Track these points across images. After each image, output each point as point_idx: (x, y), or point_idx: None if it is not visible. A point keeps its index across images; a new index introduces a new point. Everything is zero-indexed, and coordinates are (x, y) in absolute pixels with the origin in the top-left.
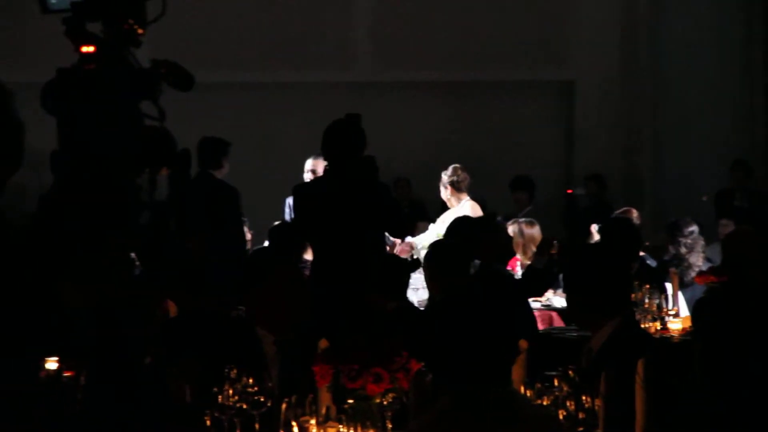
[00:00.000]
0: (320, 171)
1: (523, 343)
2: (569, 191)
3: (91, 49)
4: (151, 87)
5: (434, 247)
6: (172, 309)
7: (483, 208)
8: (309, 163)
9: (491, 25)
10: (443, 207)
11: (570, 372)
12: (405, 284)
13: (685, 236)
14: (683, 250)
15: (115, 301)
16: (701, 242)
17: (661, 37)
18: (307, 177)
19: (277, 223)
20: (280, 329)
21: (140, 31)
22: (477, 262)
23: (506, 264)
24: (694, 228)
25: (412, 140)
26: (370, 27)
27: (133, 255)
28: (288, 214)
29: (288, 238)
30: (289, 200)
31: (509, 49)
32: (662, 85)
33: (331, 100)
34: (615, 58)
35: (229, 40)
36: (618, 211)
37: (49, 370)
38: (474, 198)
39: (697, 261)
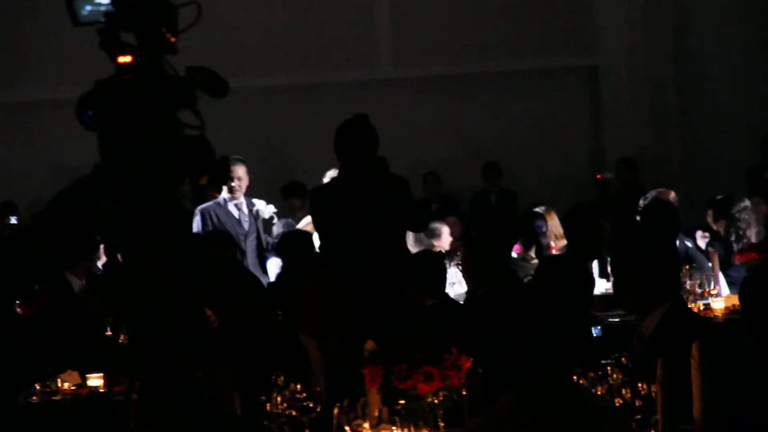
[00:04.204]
0: None
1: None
2: (599, 176)
3: (128, 59)
4: (188, 95)
5: (472, 240)
6: (212, 319)
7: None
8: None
9: (514, 14)
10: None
11: (623, 359)
12: (443, 279)
13: (740, 211)
14: (742, 225)
15: (163, 313)
16: (755, 216)
17: (686, 17)
18: None
19: (290, 230)
20: (322, 334)
21: (173, 39)
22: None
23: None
24: (747, 203)
25: (440, 135)
26: (391, 23)
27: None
28: (197, 227)
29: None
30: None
31: (533, 37)
32: (688, 65)
33: (355, 100)
34: (640, 41)
35: (247, 45)
36: (654, 192)
37: (93, 387)
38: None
39: (753, 236)
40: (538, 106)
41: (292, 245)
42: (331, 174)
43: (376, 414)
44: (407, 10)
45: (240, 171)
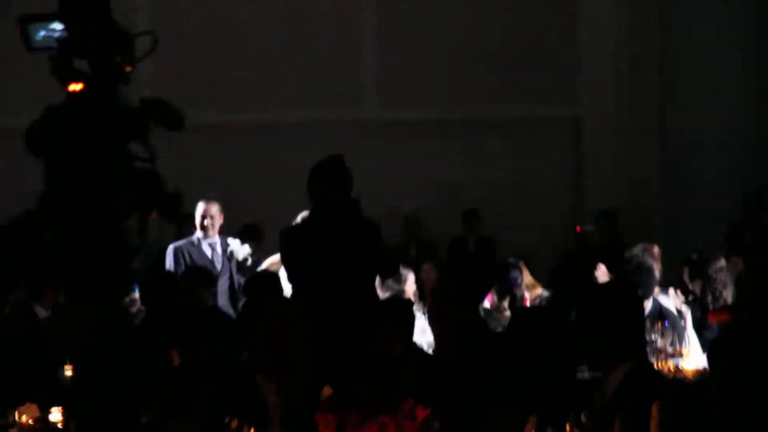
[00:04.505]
0: None
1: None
2: (579, 228)
3: (79, 86)
4: (141, 126)
5: (440, 288)
6: (174, 358)
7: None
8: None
9: (498, 62)
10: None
11: (583, 417)
12: (411, 326)
13: (717, 271)
14: (718, 286)
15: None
16: (731, 276)
17: (673, 68)
18: None
19: (264, 268)
20: (281, 377)
21: (129, 68)
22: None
23: None
24: (723, 263)
25: (421, 179)
26: (377, 65)
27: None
28: (169, 265)
29: (275, 284)
30: (170, 254)
31: (517, 85)
32: (672, 118)
33: (337, 140)
34: (624, 93)
35: (234, 79)
36: (638, 248)
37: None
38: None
39: (729, 297)
40: (520, 154)
41: (258, 285)
42: (303, 215)
43: None
44: (394, 52)
45: (213, 209)
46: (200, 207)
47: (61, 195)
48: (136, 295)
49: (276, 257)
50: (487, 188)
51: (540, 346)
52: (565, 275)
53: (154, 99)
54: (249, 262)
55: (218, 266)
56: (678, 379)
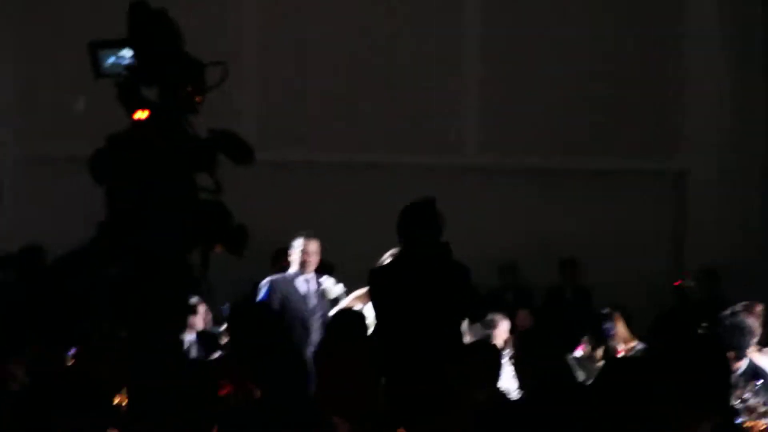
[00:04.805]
0: None
1: None
2: (677, 283)
3: (144, 114)
4: (207, 158)
5: (527, 333)
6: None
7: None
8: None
9: (601, 110)
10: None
11: None
12: (496, 371)
13: None
14: None
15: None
16: None
17: None
18: None
19: (339, 308)
20: (354, 415)
21: (198, 98)
22: None
23: None
24: None
25: (519, 226)
26: (478, 109)
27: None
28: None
29: (355, 321)
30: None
31: (622, 137)
32: None
33: (435, 184)
34: (730, 148)
35: (333, 119)
36: (741, 306)
37: None
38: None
39: None
40: (621, 206)
41: (340, 324)
42: (390, 253)
43: None
44: (496, 98)
45: (313, 246)
46: (299, 243)
47: (121, 224)
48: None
49: (359, 293)
50: (586, 239)
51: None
52: (663, 330)
53: (224, 131)
54: (342, 301)
55: (312, 303)
56: None
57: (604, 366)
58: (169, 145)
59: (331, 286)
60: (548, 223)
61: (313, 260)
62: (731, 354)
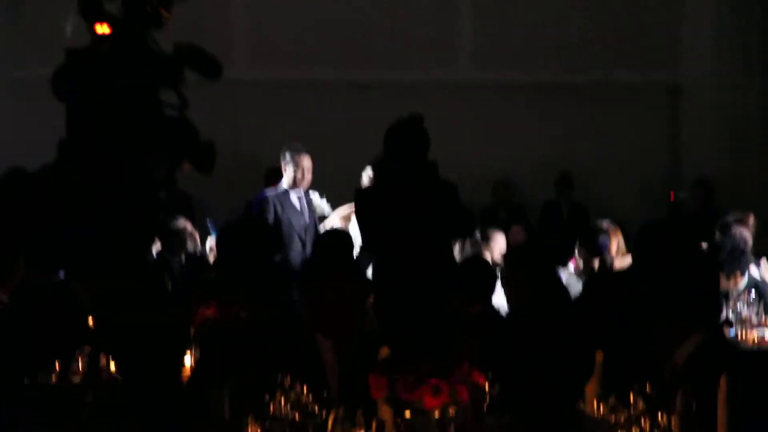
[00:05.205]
0: None
1: (599, 356)
2: (672, 196)
3: (106, 29)
4: (172, 73)
5: (514, 250)
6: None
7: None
8: (367, 172)
9: (596, 24)
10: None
11: (647, 388)
12: (490, 287)
13: None
14: None
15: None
16: None
17: None
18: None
19: (328, 228)
20: (339, 334)
21: (165, 13)
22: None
23: None
24: None
25: (514, 142)
26: (472, 24)
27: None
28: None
29: (342, 242)
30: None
31: (616, 50)
32: None
33: (429, 100)
34: (726, 61)
35: (325, 37)
36: (734, 217)
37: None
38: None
39: None
40: (616, 119)
41: (328, 244)
42: (368, 172)
43: (375, 425)
44: (490, 12)
45: (307, 162)
46: (293, 157)
47: (83, 144)
48: (212, 242)
49: (343, 212)
50: (581, 153)
51: (609, 314)
52: (646, 244)
53: (190, 45)
54: (328, 216)
55: (307, 219)
56: (762, 349)
57: (586, 282)
58: (132, 61)
59: (318, 201)
60: (545, 139)
61: (309, 175)
62: (737, 273)
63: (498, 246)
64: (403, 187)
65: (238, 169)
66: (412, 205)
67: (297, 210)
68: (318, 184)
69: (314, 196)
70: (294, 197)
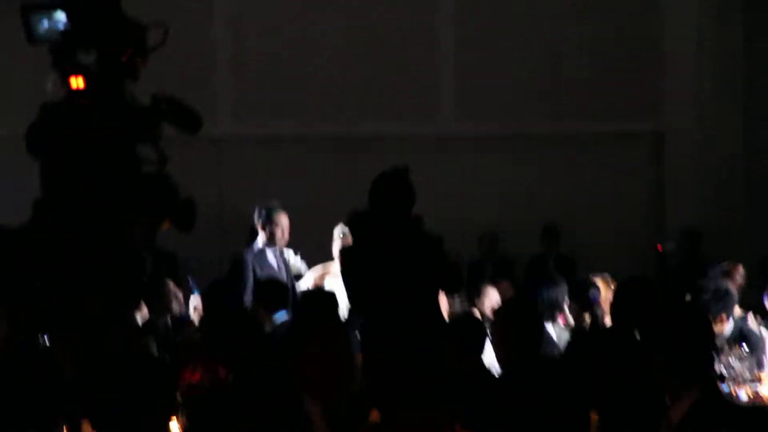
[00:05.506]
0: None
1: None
2: (659, 247)
3: (80, 82)
4: (149, 127)
5: (502, 305)
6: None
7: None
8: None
9: (579, 75)
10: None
11: None
12: (481, 343)
13: None
14: None
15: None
16: None
17: (757, 86)
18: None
19: (309, 288)
20: (327, 395)
21: (141, 62)
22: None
23: None
24: None
25: (499, 194)
26: (454, 77)
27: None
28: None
29: (327, 301)
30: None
31: (599, 100)
32: (758, 136)
33: (412, 154)
34: (709, 110)
35: (308, 90)
36: (723, 268)
37: None
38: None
39: None
40: (601, 170)
41: (312, 304)
42: (339, 229)
43: None
44: (471, 66)
45: (284, 220)
46: (269, 215)
47: (58, 202)
48: (195, 301)
49: (317, 271)
50: (567, 205)
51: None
52: (629, 297)
53: (168, 97)
54: (304, 275)
55: (284, 277)
56: (757, 406)
57: (572, 338)
58: (107, 115)
59: (293, 260)
60: (528, 190)
61: (286, 234)
62: (722, 317)
63: (489, 301)
64: (388, 242)
65: (222, 224)
66: (397, 260)
67: (275, 269)
68: (300, 240)
69: (289, 254)
70: (270, 256)
